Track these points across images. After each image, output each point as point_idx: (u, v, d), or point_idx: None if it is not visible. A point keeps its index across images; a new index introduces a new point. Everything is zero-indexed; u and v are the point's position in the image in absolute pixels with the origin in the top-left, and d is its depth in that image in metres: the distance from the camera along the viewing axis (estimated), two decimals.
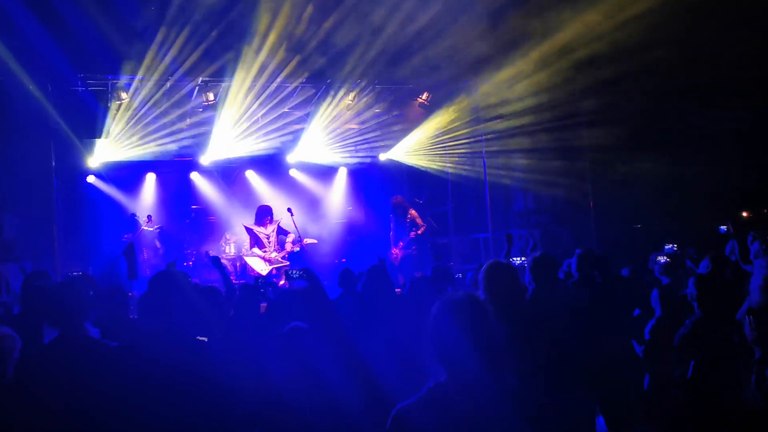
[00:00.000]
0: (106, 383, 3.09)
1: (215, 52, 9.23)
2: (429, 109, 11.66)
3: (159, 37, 8.56)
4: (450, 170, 12.83)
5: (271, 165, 13.42)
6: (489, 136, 11.60)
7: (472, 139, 11.79)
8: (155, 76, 9.77)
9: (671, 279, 6.32)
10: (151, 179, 12.96)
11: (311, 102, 11.78)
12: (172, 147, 12.24)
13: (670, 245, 7.72)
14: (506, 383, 2.21)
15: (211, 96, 10.12)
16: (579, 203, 11.81)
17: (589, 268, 5.26)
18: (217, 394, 3.21)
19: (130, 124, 11.39)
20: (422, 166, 12.99)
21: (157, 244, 11.08)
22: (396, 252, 10.86)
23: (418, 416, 2.18)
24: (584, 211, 11.78)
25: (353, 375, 3.37)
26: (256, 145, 12.39)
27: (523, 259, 9.28)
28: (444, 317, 2.26)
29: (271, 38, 9.20)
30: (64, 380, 3.08)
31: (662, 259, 7.42)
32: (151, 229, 10.82)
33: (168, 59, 9.00)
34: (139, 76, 9.73)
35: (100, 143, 11.57)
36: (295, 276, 4.49)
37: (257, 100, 10.96)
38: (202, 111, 10.66)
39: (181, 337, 3.27)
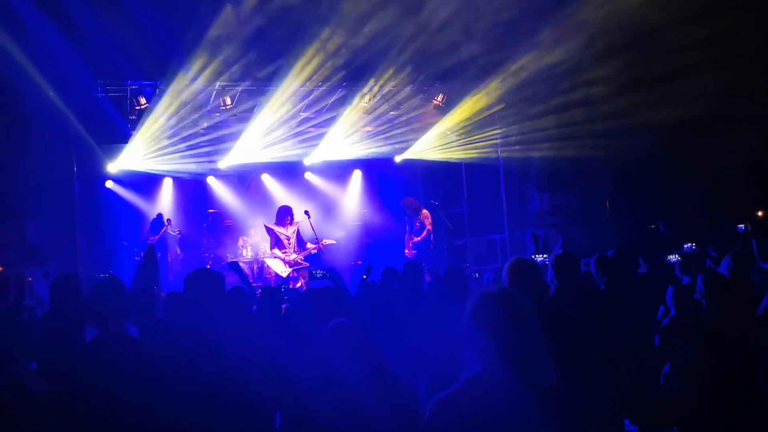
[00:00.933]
0: (145, 379, 3.17)
1: (235, 59, 9.33)
2: (443, 110, 11.69)
3: (179, 43, 8.65)
4: (465, 172, 12.85)
5: (286, 168, 13.52)
6: (505, 136, 11.61)
7: (487, 140, 11.80)
8: (174, 82, 9.89)
9: (691, 278, 6.33)
10: (168, 184, 13.09)
11: (328, 106, 11.86)
12: (189, 152, 12.39)
13: (690, 244, 7.72)
14: (543, 378, 2.25)
15: (228, 100, 10.21)
16: (595, 203, 11.82)
17: (609, 270, 5.28)
18: (243, 393, 3.28)
19: (148, 129, 11.53)
20: (439, 159, 12.98)
21: (177, 249, 11.20)
22: (407, 253, 10.85)
23: (456, 407, 2.22)
24: (600, 211, 11.78)
25: (378, 376, 3.42)
26: (282, 152, 12.60)
27: (544, 256, 9.30)
28: (480, 310, 2.29)
29: (312, 49, 9.36)
30: (107, 376, 3.16)
31: (676, 258, 7.44)
32: (173, 233, 10.97)
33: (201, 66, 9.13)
34: (157, 81, 9.84)
35: (118, 149, 11.72)
36: (319, 276, 4.55)
37: (286, 106, 11.14)
38: (218, 115, 10.75)
39: (210, 336, 3.35)
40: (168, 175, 12.96)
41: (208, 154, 12.74)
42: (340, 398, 3.07)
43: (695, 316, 5.38)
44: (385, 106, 11.82)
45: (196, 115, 11.55)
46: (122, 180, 12.34)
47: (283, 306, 5.83)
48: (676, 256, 7.40)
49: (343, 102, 11.71)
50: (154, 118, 10.46)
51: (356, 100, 11.06)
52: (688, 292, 5.59)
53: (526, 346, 2.24)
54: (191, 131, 11.95)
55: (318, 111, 12.00)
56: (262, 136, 12.14)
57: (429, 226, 10.83)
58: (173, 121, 11.47)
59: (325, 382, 3.12)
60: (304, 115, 12.00)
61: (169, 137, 12.00)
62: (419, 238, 10.64)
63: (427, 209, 11.15)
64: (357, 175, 14.30)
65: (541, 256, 9.51)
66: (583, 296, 4.59)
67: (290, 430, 3.36)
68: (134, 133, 10.86)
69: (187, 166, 12.58)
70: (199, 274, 3.50)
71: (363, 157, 13.76)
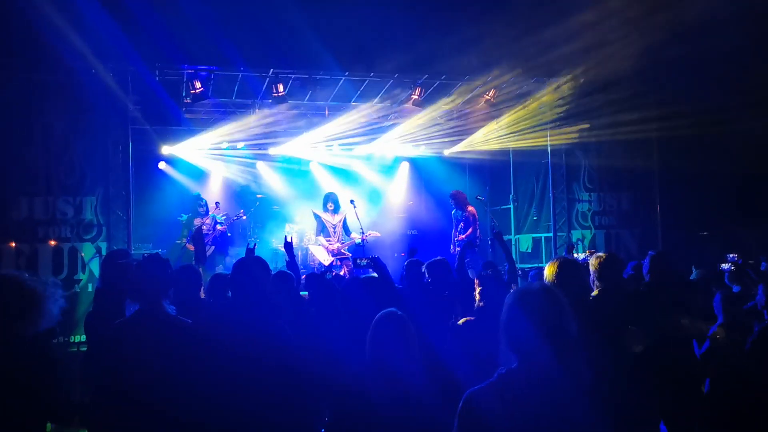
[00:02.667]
0: (180, 357, 3.25)
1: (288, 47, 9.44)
2: (494, 105, 11.59)
3: (234, 28, 8.78)
4: (513, 168, 12.74)
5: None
6: (555, 134, 11.45)
7: (537, 138, 11.66)
8: (227, 68, 10.06)
9: (740, 287, 6.16)
10: (218, 167, 13.34)
11: (380, 100, 11.89)
12: (240, 136, 12.61)
13: (733, 255, 7.52)
14: (581, 376, 2.23)
15: (281, 88, 10.32)
16: (645, 206, 11.58)
17: (661, 272, 5.18)
18: (288, 377, 3.33)
19: (202, 112, 11.78)
20: (489, 149, 12.92)
21: (227, 232, 11.42)
22: (453, 250, 10.83)
23: (489, 401, 2.23)
24: (650, 214, 11.55)
25: (426, 365, 3.42)
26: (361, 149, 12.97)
27: (586, 254, 9.18)
28: (518, 306, 2.29)
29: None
30: (143, 351, 3.26)
31: (726, 266, 7.25)
32: (221, 217, 11.18)
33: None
34: (211, 66, 10.01)
35: (172, 131, 12.00)
36: (362, 264, 4.57)
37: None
38: (270, 102, 10.88)
39: (253, 319, 3.41)
40: (218, 159, 13.23)
41: (258, 140, 12.95)
42: (389, 387, 3.08)
43: (747, 325, 5.25)
44: (449, 102, 11.79)
45: (248, 101, 11.76)
46: (174, 162, 12.64)
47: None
48: (728, 265, 7.21)
49: (394, 94, 11.72)
50: (206, 101, 10.66)
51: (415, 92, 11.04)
52: (738, 301, 5.45)
53: (566, 342, 2.23)
54: (243, 117, 12.17)
55: (369, 103, 12.04)
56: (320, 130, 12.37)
57: (475, 222, 10.78)
58: (225, 104, 11.73)
59: (376, 371, 3.13)
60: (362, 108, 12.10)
61: (221, 122, 12.26)
62: (464, 236, 10.60)
63: (472, 205, 11.10)
64: (404, 167, 14.32)
65: (583, 254, 9.40)
66: (626, 298, 4.52)
67: (338, 418, 3.38)
68: (186, 112, 11.17)
69: (239, 151, 12.85)
70: (245, 262, 3.59)
71: (412, 156, 13.82)
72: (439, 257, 5.42)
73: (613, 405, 2.28)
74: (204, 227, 10.81)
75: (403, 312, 3.16)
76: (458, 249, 10.64)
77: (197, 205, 11.39)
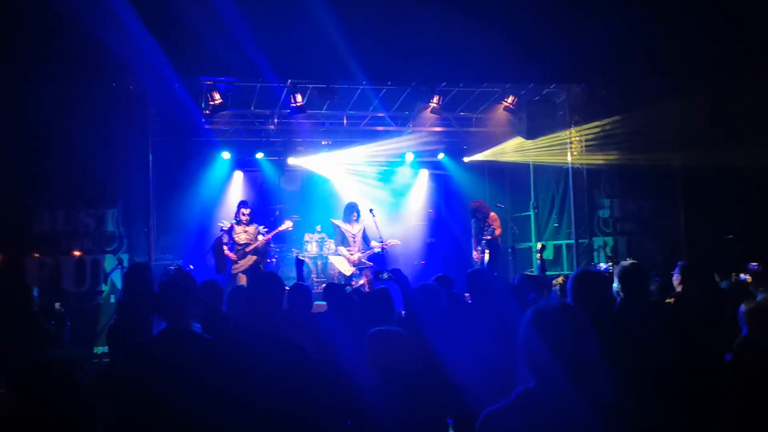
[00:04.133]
0: (207, 375, 3.25)
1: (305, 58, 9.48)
2: (513, 112, 11.54)
3: (255, 38, 8.82)
4: (534, 175, 12.65)
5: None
6: (576, 140, 11.36)
7: (558, 143, 11.58)
8: (245, 79, 10.12)
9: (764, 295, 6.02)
10: (238, 177, 13.42)
11: (397, 106, 11.89)
12: (260, 147, 12.71)
13: (755, 264, 7.40)
14: (600, 396, 2.19)
15: (299, 98, 10.35)
16: (669, 211, 11.41)
17: (695, 281, 5.09)
18: (307, 390, 3.32)
19: (221, 123, 11.86)
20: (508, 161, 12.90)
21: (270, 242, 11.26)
22: (477, 256, 10.81)
23: (506, 421, 2.19)
24: (674, 219, 11.36)
25: (439, 379, 3.40)
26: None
27: (609, 264, 9.07)
28: (536, 325, 2.26)
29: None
30: (171, 370, 3.26)
31: (743, 275, 7.12)
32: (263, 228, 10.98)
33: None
34: (231, 78, 10.08)
35: (192, 142, 12.10)
36: (384, 277, 4.56)
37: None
38: (289, 112, 10.92)
39: (272, 333, 3.40)
40: (238, 169, 13.33)
41: (277, 150, 13.03)
42: (396, 403, 3.06)
43: None
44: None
45: (267, 111, 11.81)
46: (195, 173, 12.73)
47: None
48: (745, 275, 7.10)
49: (413, 102, 11.72)
50: (226, 112, 10.75)
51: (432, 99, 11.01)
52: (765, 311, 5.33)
53: (584, 362, 2.19)
54: (262, 127, 12.24)
55: (388, 111, 12.06)
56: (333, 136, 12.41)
57: (498, 230, 10.73)
58: (245, 114, 11.81)
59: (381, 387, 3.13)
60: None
61: (241, 133, 12.34)
62: (489, 238, 10.57)
63: (494, 212, 11.06)
64: (423, 175, 14.30)
65: (605, 264, 9.28)
66: (650, 310, 4.44)
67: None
68: (207, 122, 11.19)
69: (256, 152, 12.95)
70: (263, 276, 3.60)
71: (430, 159, 13.82)
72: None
73: (633, 427, 2.23)
74: (243, 236, 10.54)
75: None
76: (483, 254, 10.61)
77: (239, 214, 10.77)
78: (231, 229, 10.62)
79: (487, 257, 10.39)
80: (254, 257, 10.58)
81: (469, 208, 11.22)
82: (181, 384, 3.19)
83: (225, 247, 10.51)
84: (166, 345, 3.36)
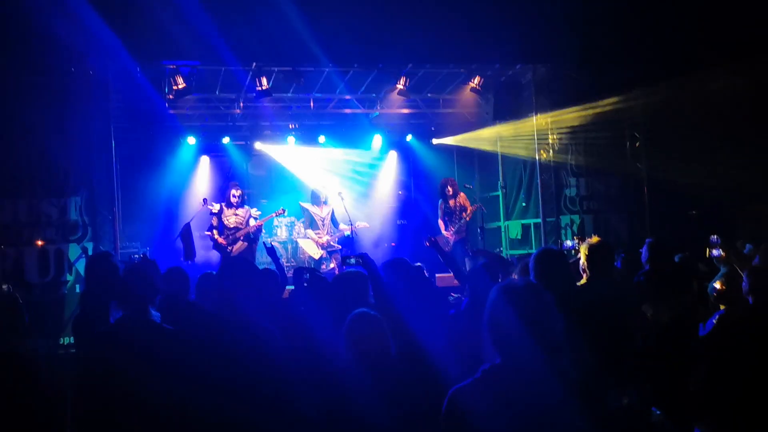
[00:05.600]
0: (163, 365, 3.20)
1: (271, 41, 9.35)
2: (481, 95, 11.55)
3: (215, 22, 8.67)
4: (501, 155, 12.70)
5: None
6: (542, 120, 11.43)
7: (525, 124, 11.64)
8: (209, 62, 9.95)
9: (728, 270, 6.13)
10: (205, 162, 13.26)
11: (364, 89, 11.83)
12: (226, 132, 12.56)
13: (716, 237, 7.53)
14: (565, 373, 2.22)
15: (264, 81, 10.22)
16: (633, 189, 11.59)
17: (661, 259, 5.18)
18: (276, 375, 3.30)
19: (186, 108, 11.66)
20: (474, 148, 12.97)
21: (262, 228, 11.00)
22: (448, 236, 10.80)
23: (474, 398, 2.22)
24: (638, 197, 11.56)
25: (414, 361, 3.41)
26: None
27: (576, 242, 9.18)
28: (502, 302, 2.28)
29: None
30: (126, 359, 3.21)
31: (716, 251, 7.25)
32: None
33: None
34: (195, 62, 9.91)
35: (155, 128, 11.88)
36: (352, 262, 4.55)
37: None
38: (255, 96, 10.78)
39: (241, 321, 3.37)
40: (204, 154, 13.16)
41: (243, 131, 12.89)
42: (368, 388, 3.07)
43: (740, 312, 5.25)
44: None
45: (232, 96, 11.66)
46: (160, 159, 12.53)
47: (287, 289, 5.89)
48: (717, 249, 7.22)
49: (379, 84, 11.66)
50: (190, 97, 10.55)
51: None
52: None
53: (548, 339, 2.22)
54: (228, 112, 12.08)
55: (354, 93, 11.99)
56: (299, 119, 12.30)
57: (469, 209, 10.78)
58: (209, 99, 11.63)
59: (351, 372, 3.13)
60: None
61: (206, 117, 12.16)
62: (468, 217, 10.64)
63: (462, 192, 11.11)
64: (392, 157, 14.28)
65: (570, 242, 9.40)
66: (615, 287, 4.51)
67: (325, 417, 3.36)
68: (170, 107, 10.96)
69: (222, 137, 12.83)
70: (232, 262, 3.56)
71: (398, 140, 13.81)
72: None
73: (600, 400, 2.27)
74: (233, 219, 10.02)
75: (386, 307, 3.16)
76: (456, 236, 10.67)
77: (229, 195, 10.23)
78: (220, 212, 10.05)
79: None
80: (245, 243, 10.02)
81: (438, 185, 11.21)
82: (136, 372, 3.14)
83: (215, 232, 9.94)
84: (120, 335, 3.31)
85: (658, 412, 5.02)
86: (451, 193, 10.87)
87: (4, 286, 6.15)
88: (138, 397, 3.08)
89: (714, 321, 5.17)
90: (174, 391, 3.04)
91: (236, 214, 10.05)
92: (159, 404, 3.06)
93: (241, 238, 9.97)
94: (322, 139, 13.16)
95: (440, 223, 11.01)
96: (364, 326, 3.21)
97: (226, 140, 12.88)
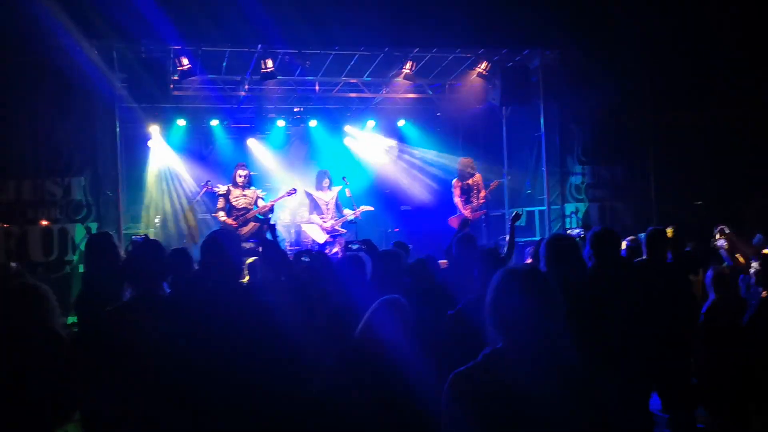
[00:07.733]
0: (179, 338, 3.23)
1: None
2: (488, 80, 11.46)
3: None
4: (507, 141, 12.62)
5: (326, 133, 13.57)
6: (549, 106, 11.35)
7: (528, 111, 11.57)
8: (214, 44, 9.90)
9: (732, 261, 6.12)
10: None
11: (369, 72, 11.75)
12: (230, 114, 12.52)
13: (720, 226, 7.50)
14: (564, 359, 2.20)
15: (269, 63, 10.15)
16: (640, 178, 11.52)
17: (661, 248, 5.15)
18: (283, 348, 3.34)
19: (191, 90, 11.61)
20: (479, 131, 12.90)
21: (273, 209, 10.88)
22: (467, 214, 10.58)
23: (475, 381, 2.20)
24: (645, 185, 11.49)
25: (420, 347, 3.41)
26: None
27: (581, 230, 9.13)
28: (505, 286, 2.25)
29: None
30: (143, 335, 3.21)
31: (721, 241, 7.22)
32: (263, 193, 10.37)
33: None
34: (200, 43, 9.86)
35: (160, 109, 11.84)
36: (355, 248, 4.55)
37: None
38: (259, 78, 10.71)
39: (245, 296, 3.40)
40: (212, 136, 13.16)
41: (247, 113, 12.86)
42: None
43: (741, 300, 5.24)
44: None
45: (237, 77, 11.60)
46: (164, 140, 12.51)
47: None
48: (722, 239, 7.18)
49: (385, 68, 11.57)
50: (195, 78, 10.51)
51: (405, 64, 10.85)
52: (731, 276, 5.43)
53: (551, 324, 2.19)
54: (232, 94, 12.03)
55: (360, 77, 11.92)
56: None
57: (484, 190, 10.69)
58: (214, 80, 11.57)
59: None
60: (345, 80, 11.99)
61: (211, 100, 12.11)
62: (482, 201, 10.57)
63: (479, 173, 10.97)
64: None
65: (577, 229, 9.34)
66: (621, 274, 4.48)
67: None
68: (175, 89, 10.87)
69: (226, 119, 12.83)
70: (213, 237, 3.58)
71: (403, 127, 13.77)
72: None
73: (598, 388, 2.24)
74: (242, 201, 9.78)
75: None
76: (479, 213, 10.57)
77: (234, 175, 9.97)
78: (228, 193, 9.80)
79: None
80: (256, 224, 9.76)
81: (457, 165, 11.05)
82: (153, 347, 3.14)
83: (222, 213, 9.74)
84: (138, 309, 3.31)
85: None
86: (470, 171, 10.75)
87: (13, 264, 6.17)
88: (154, 368, 3.09)
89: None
90: (195, 364, 3.08)
91: (245, 195, 9.86)
92: (181, 378, 3.08)
93: (251, 219, 9.80)
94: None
95: (457, 201, 10.83)
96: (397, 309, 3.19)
97: (214, 122, 12.86)
